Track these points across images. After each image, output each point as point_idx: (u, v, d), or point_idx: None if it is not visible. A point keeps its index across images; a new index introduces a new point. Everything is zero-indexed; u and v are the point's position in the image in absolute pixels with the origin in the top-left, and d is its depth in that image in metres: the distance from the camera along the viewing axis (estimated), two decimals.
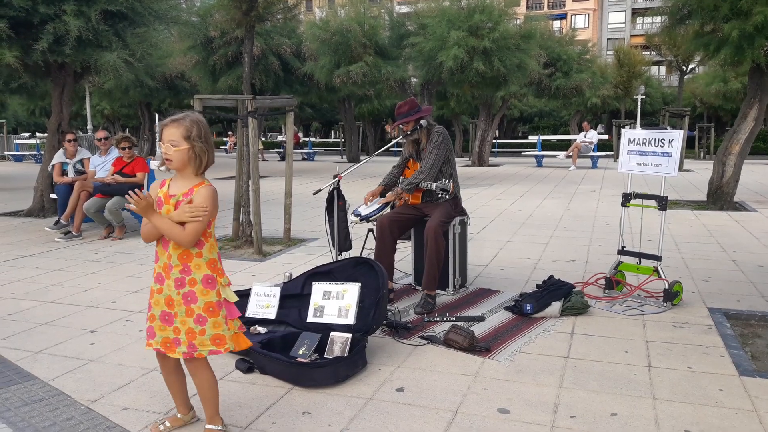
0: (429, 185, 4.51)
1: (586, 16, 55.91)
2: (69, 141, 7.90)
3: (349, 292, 3.69)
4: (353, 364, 3.31)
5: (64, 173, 7.88)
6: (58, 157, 7.95)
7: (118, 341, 3.86)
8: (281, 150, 27.87)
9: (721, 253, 6.32)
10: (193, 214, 2.41)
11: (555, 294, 4.32)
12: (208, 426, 2.61)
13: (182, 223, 2.42)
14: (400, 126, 4.73)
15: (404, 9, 15.14)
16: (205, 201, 2.43)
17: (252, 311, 3.92)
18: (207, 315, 2.46)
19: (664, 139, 4.57)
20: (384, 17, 13.80)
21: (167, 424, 2.70)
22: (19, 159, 24.53)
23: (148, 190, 8.20)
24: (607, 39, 55.24)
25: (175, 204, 2.46)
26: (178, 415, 2.73)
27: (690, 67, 27.11)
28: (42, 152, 18.79)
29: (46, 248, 6.76)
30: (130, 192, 2.43)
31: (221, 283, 2.52)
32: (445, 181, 4.40)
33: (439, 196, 4.43)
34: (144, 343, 2.59)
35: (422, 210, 4.73)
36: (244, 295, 4.04)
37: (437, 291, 4.70)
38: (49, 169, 8.22)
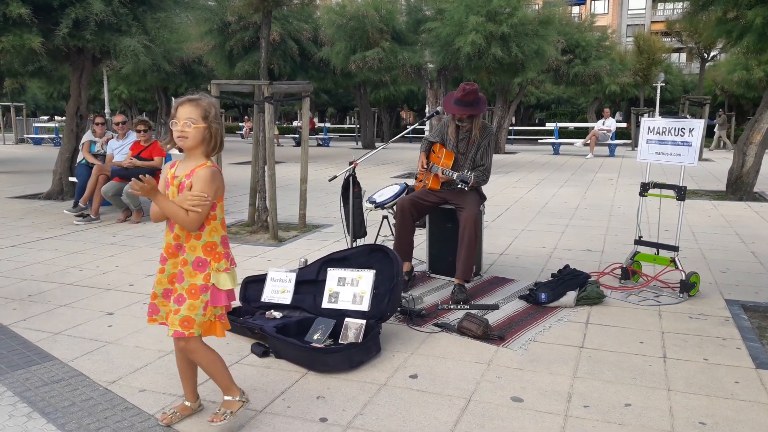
0: (451, 174, 4.50)
1: (606, 1, 55.05)
2: (97, 124, 8.03)
3: (364, 279, 3.70)
4: (367, 350, 3.33)
5: (96, 155, 8.03)
6: (88, 135, 8.16)
7: (135, 324, 3.91)
8: (297, 135, 27.92)
9: (740, 244, 6.24)
10: (194, 203, 2.40)
11: (570, 283, 4.30)
12: (226, 397, 2.62)
13: None
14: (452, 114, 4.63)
15: None
16: (203, 184, 2.42)
17: (268, 296, 3.96)
18: (187, 296, 2.45)
19: (684, 129, 4.51)
20: (401, 2, 13.69)
21: (177, 414, 2.70)
22: (38, 142, 24.80)
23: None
24: (627, 25, 54.38)
25: (178, 185, 2.47)
26: (187, 403, 2.73)
27: (711, 54, 26.65)
28: (60, 135, 19.01)
29: (65, 231, 6.85)
30: (134, 178, 2.43)
31: (214, 267, 2.49)
32: (467, 173, 4.38)
33: (458, 186, 4.42)
34: (156, 324, 2.61)
35: (442, 196, 4.71)
36: (260, 280, 4.08)
37: (449, 279, 4.71)
38: (80, 147, 8.38)
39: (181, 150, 2.51)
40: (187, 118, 2.42)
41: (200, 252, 2.48)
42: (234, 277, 2.57)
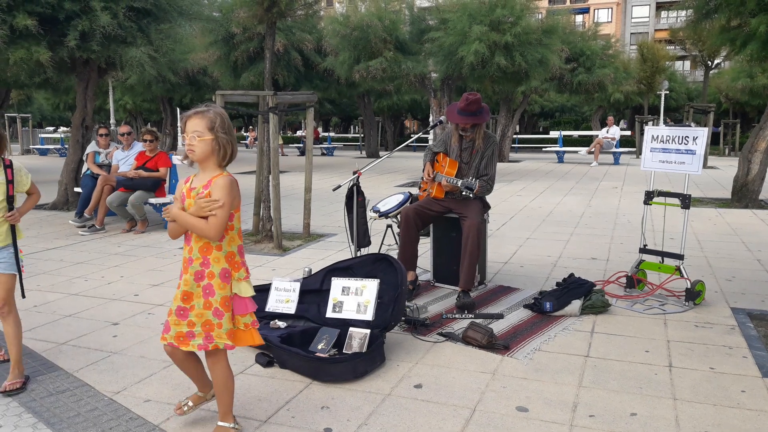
0: (455, 182, 4.51)
1: (610, 10, 55.19)
2: (101, 135, 8.06)
3: (368, 288, 3.70)
4: (371, 359, 3.32)
5: (101, 166, 8.07)
6: (92, 146, 8.18)
7: (140, 334, 3.91)
8: (301, 145, 28.02)
9: (746, 252, 6.22)
10: (209, 208, 2.42)
11: (575, 292, 4.29)
12: (221, 423, 2.62)
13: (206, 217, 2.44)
14: (456, 123, 4.64)
15: (425, 3, 15.07)
16: (221, 192, 2.43)
17: (272, 306, 3.96)
18: (224, 309, 2.48)
19: (688, 137, 4.51)
20: (404, 12, 13.75)
21: (190, 404, 2.75)
22: (43, 153, 24.93)
23: (169, 184, 8.28)
24: (631, 33, 54.48)
25: (195, 197, 2.49)
26: (200, 393, 2.77)
27: (715, 62, 26.64)
28: (66, 146, 19.11)
29: (71, 241, 6.87)
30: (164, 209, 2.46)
31: (235, 277, 2.52)
32: (471, 180, 4.38)
33: (463, 193, 4.43)
34: (165, 343, 2.61)
35: (446, 205, 4.72)
36: (264, 290, 4.08)
37: (454, 288, 4.70)
38: (84, 157, 8.43)
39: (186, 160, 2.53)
40: (193, 131, 2.45)
41: (224, 263, 2.50)
42: (251, 284, 2.60)
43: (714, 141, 25.60)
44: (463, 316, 4.16)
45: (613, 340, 3.76)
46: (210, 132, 2.45)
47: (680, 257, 4.59)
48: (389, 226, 5.45)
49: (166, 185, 7.82)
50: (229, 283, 2.50)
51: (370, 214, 4.98)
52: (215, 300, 2.48)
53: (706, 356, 3.51)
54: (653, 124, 20.25)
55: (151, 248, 6.50)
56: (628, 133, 24.98)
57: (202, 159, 2.48)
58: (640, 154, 21.88)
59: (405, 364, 3.42)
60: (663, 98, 24.07)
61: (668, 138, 4.62)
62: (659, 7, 53.73)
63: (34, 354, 3.58)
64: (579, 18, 50.24)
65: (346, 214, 4.69)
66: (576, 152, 20.96)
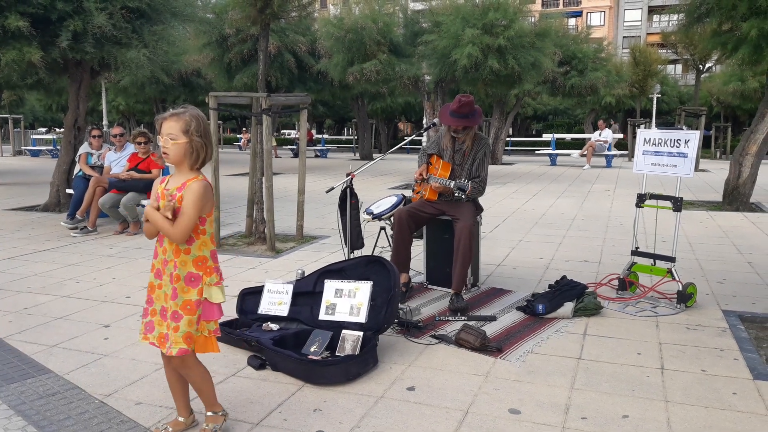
0: (447, 183, 4.52)
1: (602, 13, 55.46)
2: (94, 137, 8.02)
3: (361, 291, 3.70)
4: (364, 362, 3.32)
5: (93, 167, 8.02)
6: (84, 148, 8.15)
7: (131, 336, 3.89)
8: (294, 147, 28.01)
9: (737, 254, 6.25)
10: (168, 207, 2.40)
11: (567, 294, 4.30)
12: (209, 413, 2.64)
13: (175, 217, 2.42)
14: (449, 125, 4.65)
15: (419, 6, 15.11)
16: (193, 196, 2.41)
17: (265, 308, 3.95)
18: (183, 312, 2.45)
19: (680, 140, 4.53)
20: (398, 15, 13.78)
21: (170, 429, 2.67)
22: (35, 154, 24.79)
23: None
24: (623, 37, 54.75)
25: (169, 198, 2.48)
26: (180, 419, 2.71)
27: (707, 65, 26.82)
28: (58, 147, 18.97)
29: (62, 243, 6.84)
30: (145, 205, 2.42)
31: (206, 282, 2.49)
32: (464, 181, 4.40)
33: (455, 194, 4.43)
34: (147, 343, 2.57)
35: (438, 207, 4.73)
36: (257, 292, 4.07)
37: (447, 290, 4.71)
38: (76, 159, 8.38)
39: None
40: (167, 134, 2.42)
41: (191, 267, 2.47)
42: (223, 291, 2.56)
43: (705, 144, 25.76)
44: (456, 318, 4.16)
45: (605, 343, 3.77)
46: (185, 135, 2.42)
47: (672, 260, 4.61)
48: (382, 228, 5.45)
49: (152, 189, 7.78)
50: (197, 287, 2.47)
51: (363, 216, 4.98)
52: (175, 303, 2.45)
53: (697, 358, 3.52)
54: (645, 128, 20.34)
55: (143, 250, 6.47)
56: (621, 135, 25.10)
57: (177, 162, 2.47)
58: (632, 156, 21.97)
59: (398, 366, 3.42)
60: (655, 102, 24.19)
61: (660, 141, 4.64)
62: (651, 10, 54.01)
63: (24, 356, 3.56)
64: (572, 21, 50.45)
65: (339, 216, 4.69)
66: (568, 155, 21.03)
